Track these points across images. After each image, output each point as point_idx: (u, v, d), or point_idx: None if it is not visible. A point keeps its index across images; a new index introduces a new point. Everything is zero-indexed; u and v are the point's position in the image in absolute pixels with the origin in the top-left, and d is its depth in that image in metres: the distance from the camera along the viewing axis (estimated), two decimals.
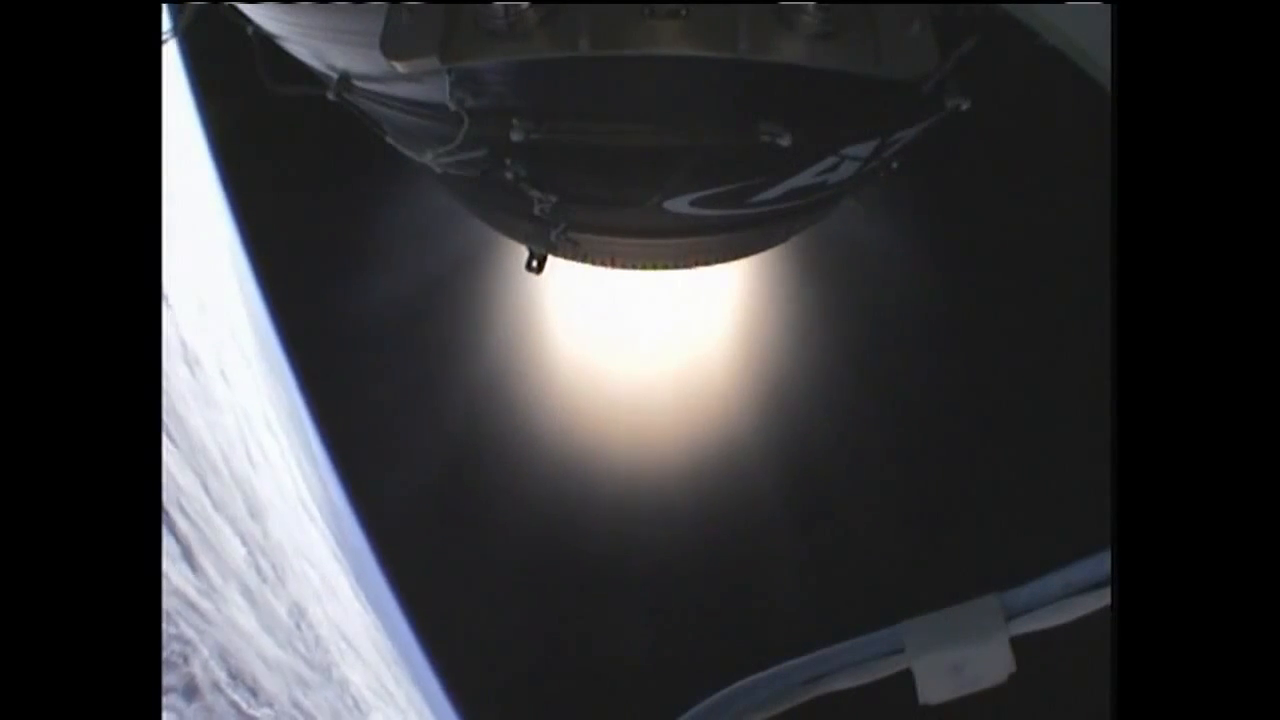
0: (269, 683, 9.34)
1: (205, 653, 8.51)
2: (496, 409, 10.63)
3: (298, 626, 10.59)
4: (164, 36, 2.67)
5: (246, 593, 9.83)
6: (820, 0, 1.88)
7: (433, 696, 11.70)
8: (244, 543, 10.21)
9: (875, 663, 1.34)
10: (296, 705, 9.69)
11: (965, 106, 2.43)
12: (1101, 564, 1.28)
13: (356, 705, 10.93)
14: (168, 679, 7.98)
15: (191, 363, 10.73)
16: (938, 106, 2.45)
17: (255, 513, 10.80)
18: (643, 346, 10.41)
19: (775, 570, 10.22)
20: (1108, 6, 1.25)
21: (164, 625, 7.90)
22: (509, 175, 2.98)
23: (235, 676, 8.79)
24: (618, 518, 10.44)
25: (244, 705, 8.79)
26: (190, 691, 8.20)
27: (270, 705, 9.17)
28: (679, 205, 3.17)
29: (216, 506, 9.94)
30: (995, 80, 2.57)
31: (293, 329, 11.58)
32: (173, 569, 8.65)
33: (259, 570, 10.30)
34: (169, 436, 9.27)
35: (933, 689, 1.34)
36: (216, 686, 8.51)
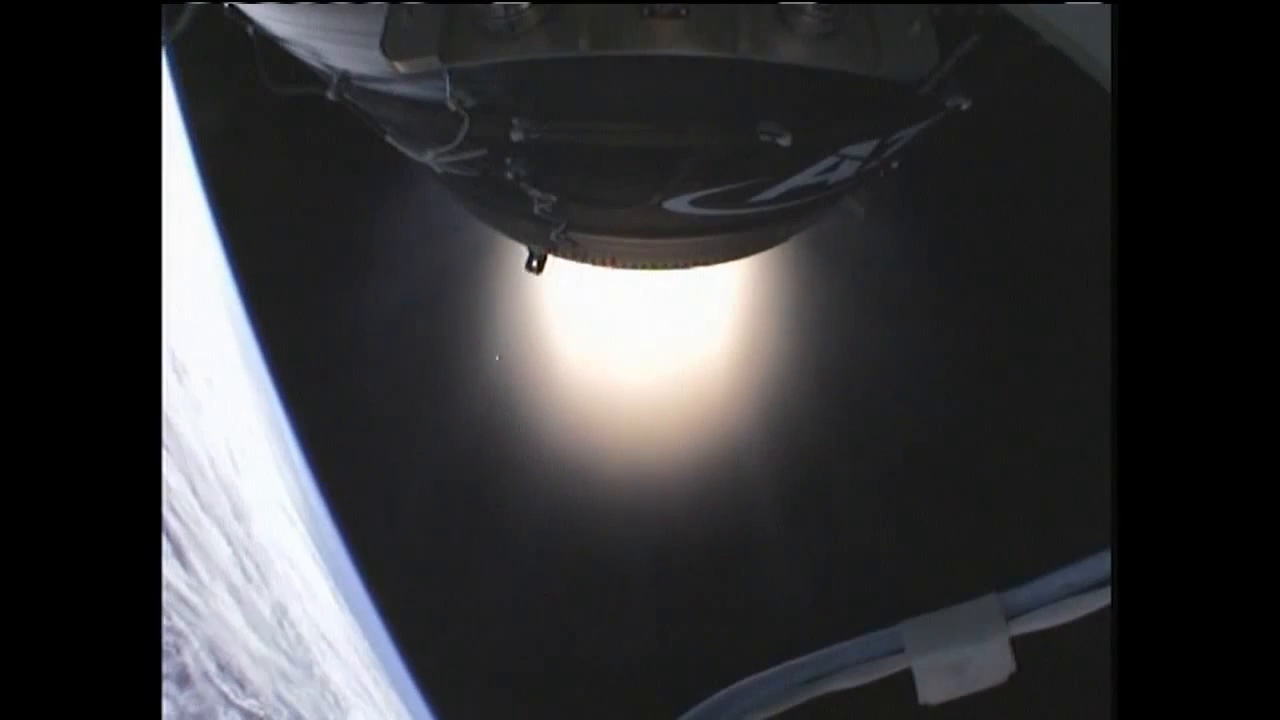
0: (255, 675, 9.60)
1: (196, 644, 8.80)
2: (492, 409, 10.64)
3: (280, 624, 10.82)
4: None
5: (233, 590, 10.06)
6: (820, 0, 1.88)
7: (411, 700, 11.81)
8: (229, 543, 10.44)
9: (875, 663, 1.34)
10: (280, 699, 9.92)
11: (965, 106, 2.43)
12: (1101, 564, 1.28)
13: (337, 702, 11.12)
14: (162, 667, 8.22)
15: (180, 370, 10.87)
16: (938, 106, 2.45)
17: (240, 515, 10.98)
18: (642, 346, 10.41)
19: (776, 570, 10.22)
20: (1108, 6, 1.25)
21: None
22: (509, 175, 2.98)
23: (224, 668, 9.07)
24: (614, 518, 10.44)
25: (232, 695, 9.07)
26: (183, 680, 8.56)
27: (256, 697, 9.42)
28: (679, 205, 3.16)
29: (204, 508, 10.13)
30: (995, 80, 2.57)
31: (277, 335, 11.61)
32: (165, 565, 8.94)
33: (244, 570, 10.53)
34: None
35: (933, 689, 1.34)
36: (207, 676, 8.80)
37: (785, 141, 2.44)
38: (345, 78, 2.70)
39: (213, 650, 9.06)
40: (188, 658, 8.72)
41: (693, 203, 3.16)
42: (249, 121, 9.53)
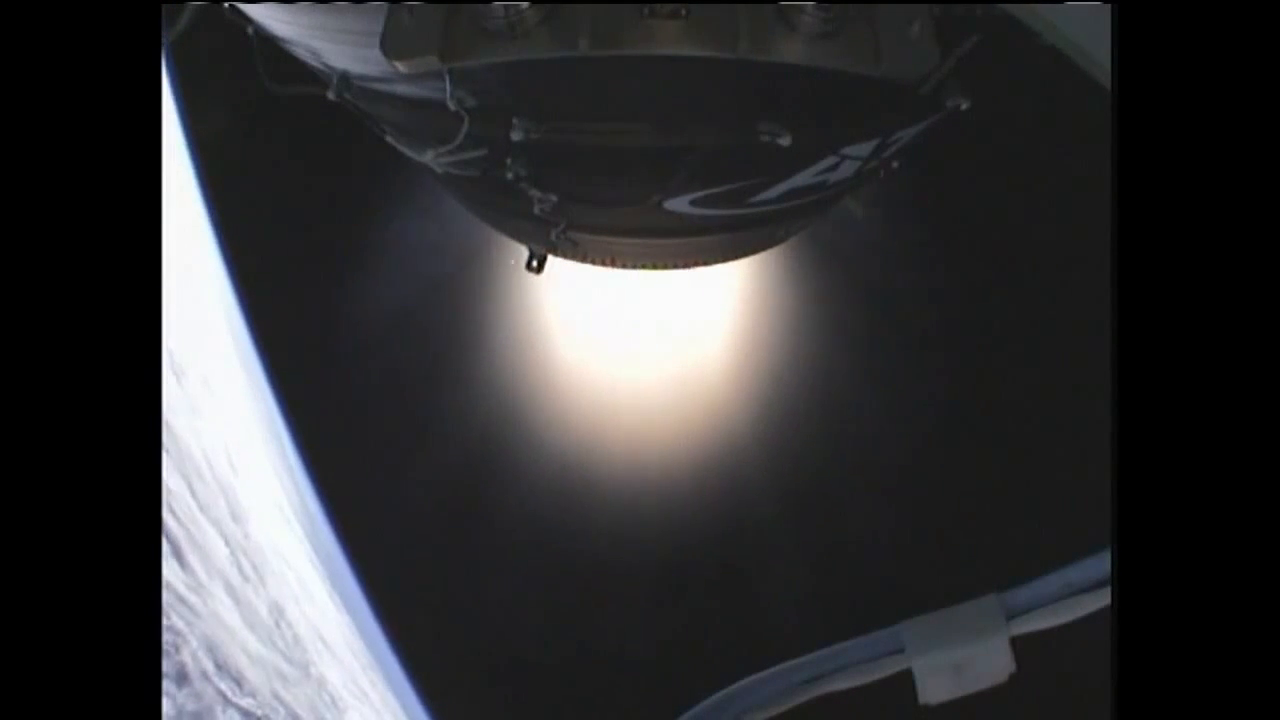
0: (252, 675, 9.70)
1: (194, 643, 8.91)
2: (491, 409, 10.64)
3: (277, 625, 10.91)
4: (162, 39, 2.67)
5: (230, 590, 10.14)
6: (820, 0, 1.88)
7: (408, 701, 11.85)
8: (227, 543, 10.50)
9: (875, 663, 1.34)
10: (278, 698, 10.00)
11: (965, 106, 2.43)
12: (1101, 564, 1.28)
13: (334, 702, 11.18)
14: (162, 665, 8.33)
15: (178, 371, 10.92)
16: (938, 106, 2.45)
17: (237, 516, 11.03)
18: (642, 346, 10.42)
19: (776, 570, 10.22)
20: (1108, 6, 1.25)
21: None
22: (509, 175, 2.98)
23: (221, 667, 9.16)
24: (614, 518, 10.44)
25: (229, 694, 9.16)
26: (181, 677, 8.70)
27: (253, 696, 9.52)
28: (679, 205, 3.17)
29: (202, 508, 10.21)
30: (995, 80, 2.57)
31: (274, 335, 11.59)
32: (164, 565, 8.99)
33: (241, 570, 10.61)
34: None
35: (933, 689, 1.34)
36: (205, 675, 8.90)
37: (785, 141, 2.44)
38: (345, 78, 2.70)
39: (211, 649, 9.14)
40: (186, 656, 8.81)
41: (693, 203, 3.16)
42: (248, 122, 9.53)
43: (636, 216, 3.38)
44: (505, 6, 1.91)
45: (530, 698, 10.78)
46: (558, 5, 1.96)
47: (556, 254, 4.18)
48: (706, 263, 4.18)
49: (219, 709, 8.99)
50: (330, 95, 2.73)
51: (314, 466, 11.83)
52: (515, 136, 2.51)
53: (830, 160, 3.02)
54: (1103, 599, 1.26)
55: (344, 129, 3.16)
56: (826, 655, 1.36)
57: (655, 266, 4.16)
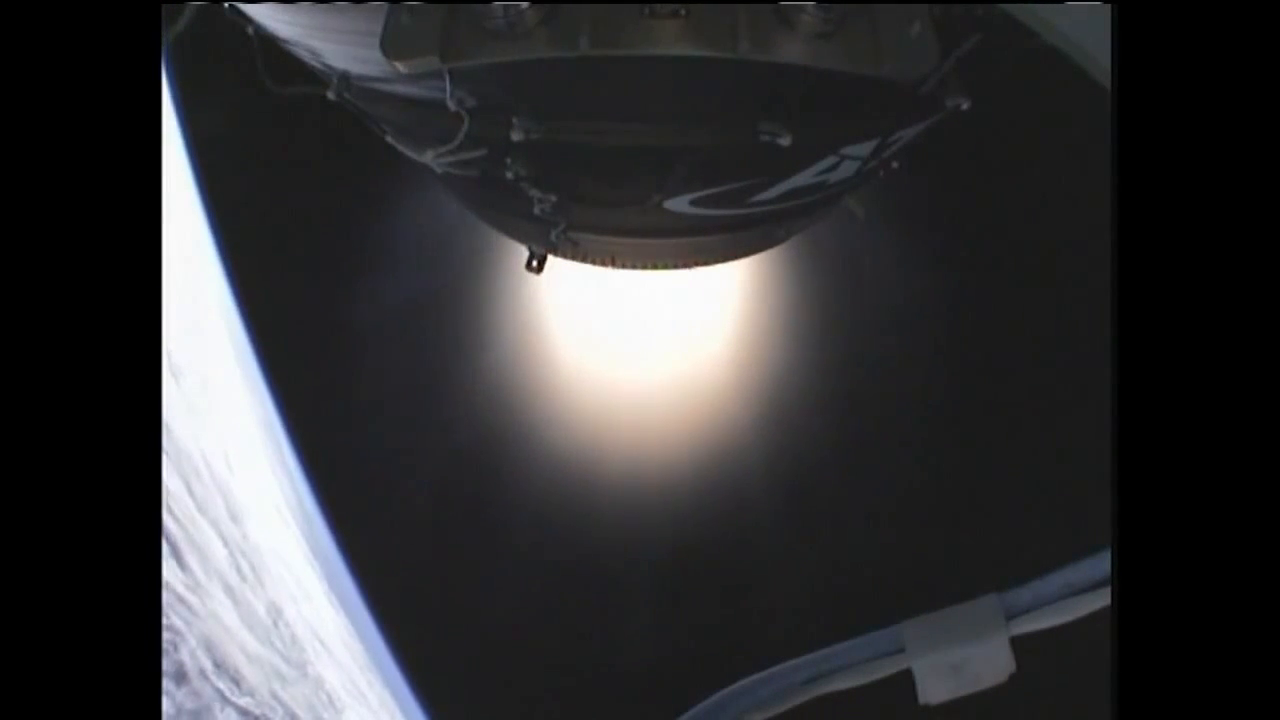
0: (250, 674, 9.74)
1: (193, 642, 8.97)
2: (490, 409, 10.63)
3: (275, 624, 10.94)
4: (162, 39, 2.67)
5: (229, 590, 10.18)
6: (820, 0, 1.88)
7: (405, 702, 11.87)
8: (225, 544, 10.53)
9: (875, 663, 1.34)
10: (275, 697, 10.04)
11: (965, 106, 2.43)
12: (1101, 564, 1.28)
13: (331, 702, 11.20)
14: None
15: (176, 372, 10.93)
16: (938, 106, 2.45)
17: (235, 516, 11.04)
18: (642, 346, 10.42)
19: (776, 570, 10.22)
20: (1108, 6, 1.25)
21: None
22: (509, 175, 2.98)
23: (220, 666, 9.20)
24: (613, 519, 10.44)
25: (228, 693, 9.21)
26: (180, 676, 8.77)
27: (251, 695, 9.56)
28: (679, 205, 3.17)
29: (200, 509, 10.23)
30: (995, 80, 2.57)
31: (272, 336, 11.56)
32: (163, 565, 9.00)
33: (239, 570, 10.64)
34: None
35: (933, 689, 1.34)
36: (203, 674, 8.97)
37: (785, 141, 2.44)
38: (345, 78, 2.70)
39: (209, 648, 9.18)
40: (184, 655, 8.86)
41: (693, 203, 3.17)
42: (246, 122, 9.53)
43: (636, 216, 3.39)
44: (505, 6, 1.91)
45: (528, 698, 10.77)
46: (558, 5, 1.96)
47: (556, 254, 4.18)
48: (706, 263, 4.17)
49: (217, 708, 9.02)
50: (330, 95, 2.73)
51: (312, 467, 11.82)
52: (515, 136, 2.51)
53: (830, 160, 3.02)
54: (1103, 599, 1.26)
55: (347, 128, 3.16)
56: (826, 655, 1.36)
57: (655, 266, 4.15)
